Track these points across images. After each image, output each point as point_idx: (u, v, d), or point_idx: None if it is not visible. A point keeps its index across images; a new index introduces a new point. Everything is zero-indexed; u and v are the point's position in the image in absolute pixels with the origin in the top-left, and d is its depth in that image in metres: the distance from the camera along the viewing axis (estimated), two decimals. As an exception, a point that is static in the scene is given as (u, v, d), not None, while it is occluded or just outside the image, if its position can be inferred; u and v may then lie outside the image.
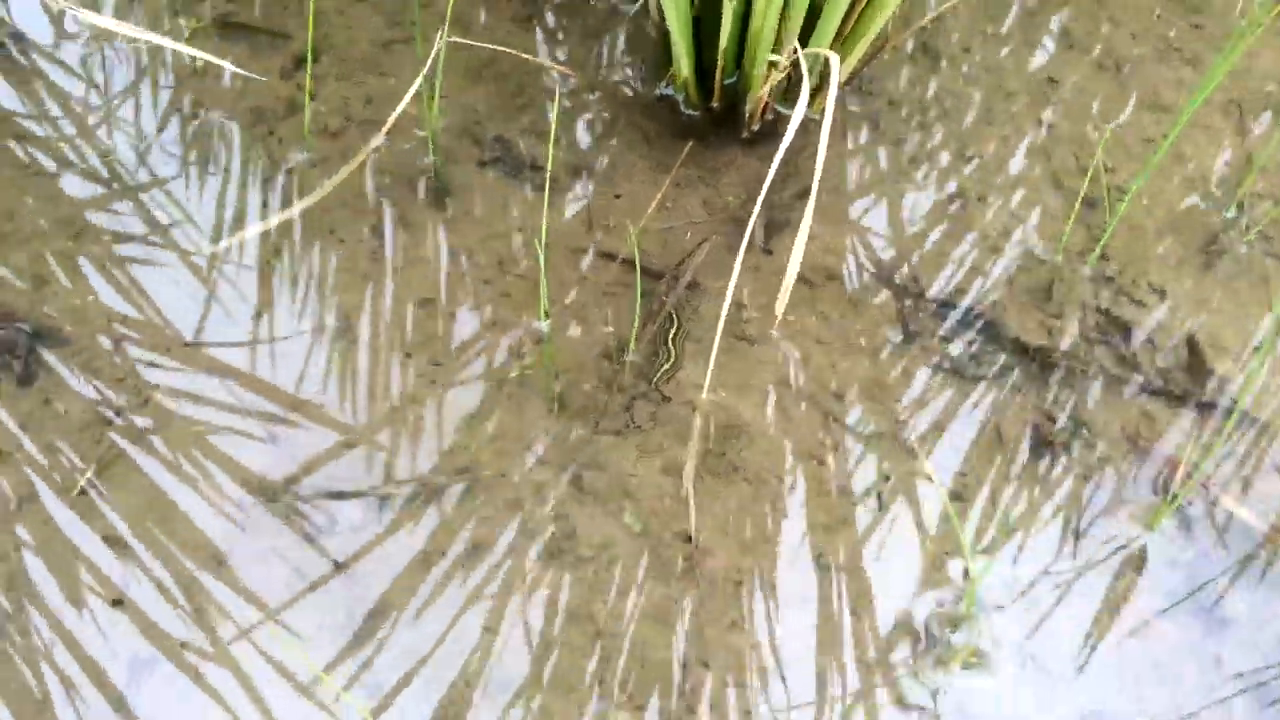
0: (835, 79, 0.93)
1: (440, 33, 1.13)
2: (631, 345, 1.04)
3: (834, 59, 0.95)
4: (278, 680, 0.87)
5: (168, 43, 1.02)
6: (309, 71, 1.16)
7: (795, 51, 1.02)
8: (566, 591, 0.92)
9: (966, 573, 0.94)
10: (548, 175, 1.14)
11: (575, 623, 0.90)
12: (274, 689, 0.86)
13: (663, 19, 1.11)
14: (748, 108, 1.15)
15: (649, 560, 0.93)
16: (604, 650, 0.89)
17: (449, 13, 1.19)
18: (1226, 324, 1.09)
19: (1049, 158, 1.21)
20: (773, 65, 1.08)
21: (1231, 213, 1.16)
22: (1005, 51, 1.30)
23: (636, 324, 1.05)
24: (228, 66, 1.19)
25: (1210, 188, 1.19)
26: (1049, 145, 1.22)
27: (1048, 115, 1.25)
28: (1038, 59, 1.30)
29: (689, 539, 0.95)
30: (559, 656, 0.89)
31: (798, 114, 0.94)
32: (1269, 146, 1.21)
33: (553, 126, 1.18)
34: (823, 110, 0.95)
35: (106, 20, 1.01)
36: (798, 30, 1.06)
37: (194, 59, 1.21)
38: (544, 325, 1.04)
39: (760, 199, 0.95)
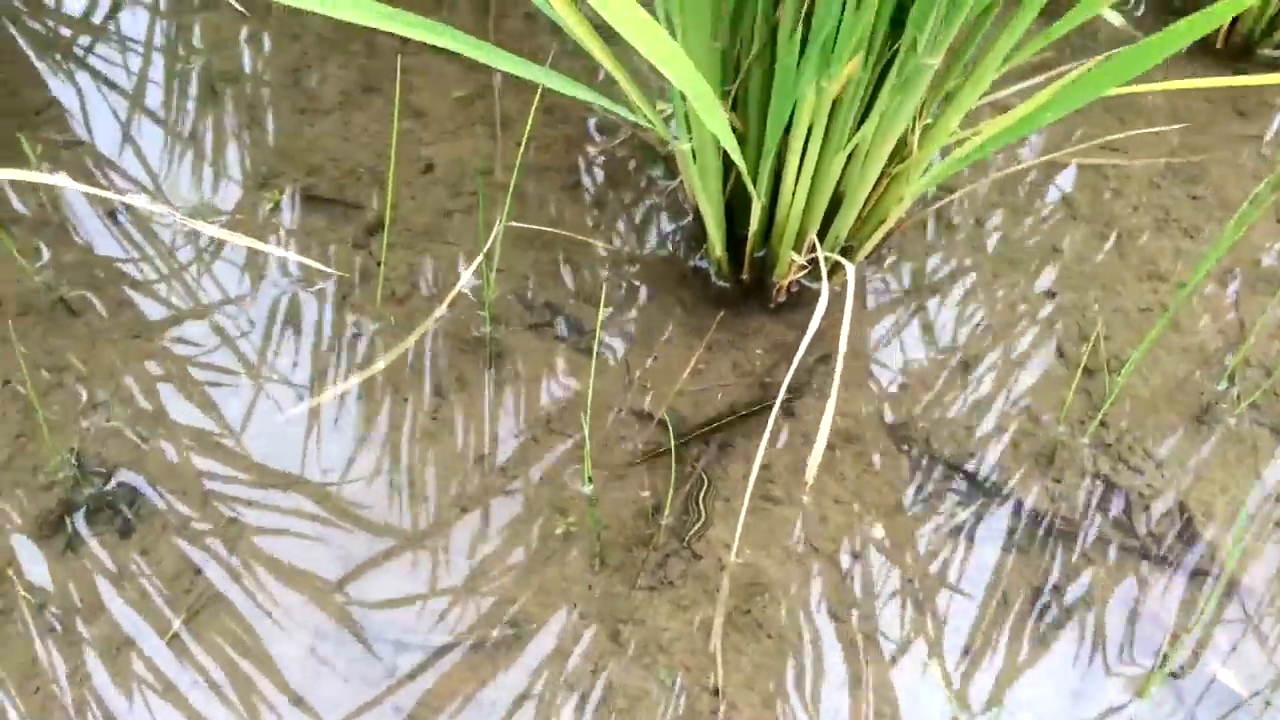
0: (851, 290, 1.05)
1: (500, 217, 1.26)
2: (666, 506, 1.14)
3: (850, 269, 1.06)
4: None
5: (250, 242, 1.15)
6: (384, 242, 1.29)
7: (814, 248, 1.14)
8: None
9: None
10: (595, 344, 1.26)
11: (612, 771, 1.00)
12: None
13: (697, 206, 1.23)
14: (774, 282, 1.27)
15: (681, 712, 1.03)
16: (637, 797, 0.98)
17: (510, 197, 1.32)
18: (1217, 493, 1.18)
19: (1052, 325, 1.32)
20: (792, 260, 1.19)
21: (1223, 385, 1.25)
22: (1012, 222, 1.42)
23: (672, 487, 1.16)
24: (291, 257, 1.32)
25: (1206, 356, 1.29)
26: (1053, 314, 1.33)
27: (1051, 284, 1.35)
28: (1043, 228, 1.41)
29: (717, 692, 1.04)
30: (596, 802, 0.98)
31: (820, 308, 1.05)
32: (1261, 317, 1.31)
33: (600, 305, 1.31)
34: (844, 283, 1.06)
35: (203, 225, 1.14)
36: (818, 224, 1.17)
37: (277, 231, 1.35)
38: (587, 489, 1.15)
39: (791, 369, 1.06)
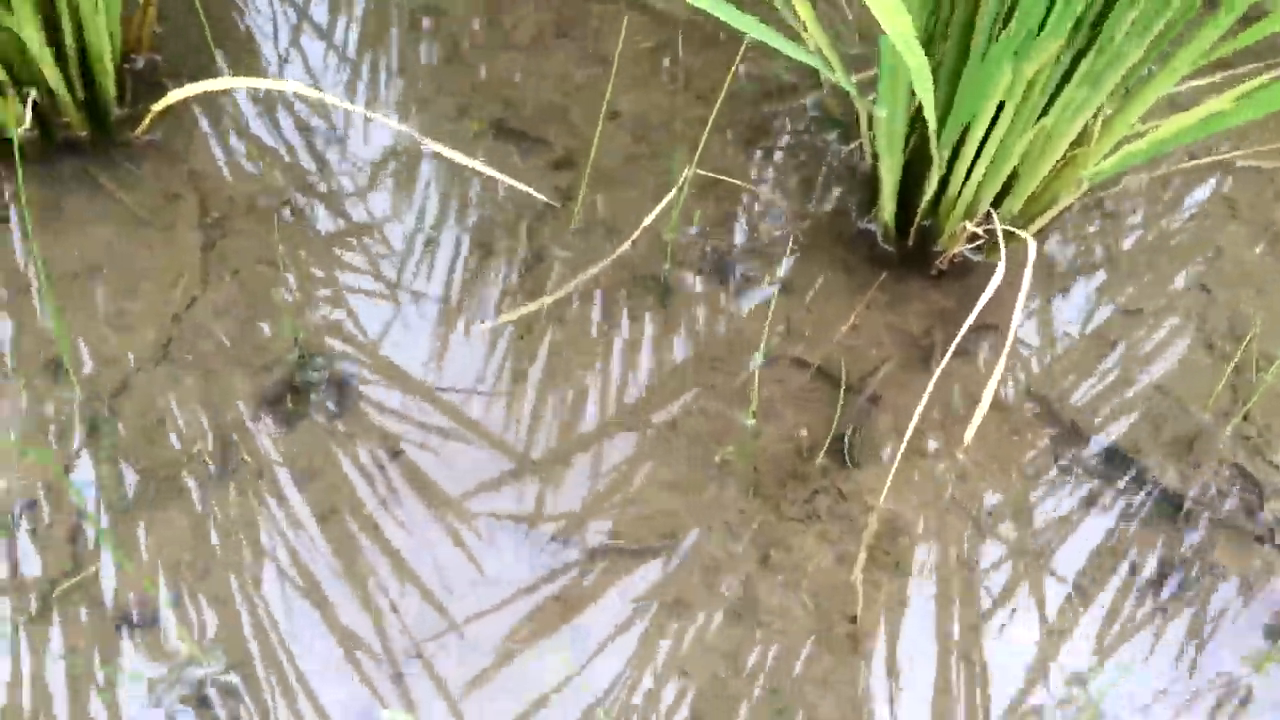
0: (1029, 272, 1.11)
1: (690, 165, 1.35)
2: (821, 447, 1.23)
3: (1031, 244, 1.13)
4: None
5: (459, 157, 1.26)
6: (584, 179, 1.39)
7: (989, 219, 1.20)
8: (747, 648, 1.11)
9: (1084, 682, 1.10)
10: (774, 294, 1.35)
11: (753, 677, 1.10)
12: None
13: (876, 164, 1.30)
14: (938, 251, 1.34)
15: (818, 633, 1.12)
16: (776, 704, 1.09)
17: (701, 145, 1.41)
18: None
19: (1204, 319, 1.36)
20: (964, 228, 1.26)
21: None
22: (1171, 216, 1.45)
23: (830, 431, 1.24)
24: (499, 177, 1.43)
25: (1353, 364, 1.32)
26: (1205, 308, 1.37)
27: (1205, 279, 1.39)
28: (1202, 225, 1.45)
29: (854, 619, 1.13)
30: (738, 706, 1.09)
31: (995, 278, 1.12)
32: None
33: (769, 257, 1.39)
34: (1011, 257, 1.13)
35: (417, 133, 1.25)
36: (991, 198, 1.24)
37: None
38: (750, 422, 1.24)
39: (961, 331, 1.13)
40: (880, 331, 1.35)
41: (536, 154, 1.48)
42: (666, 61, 1.61)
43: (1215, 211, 1.47)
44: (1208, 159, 1.52)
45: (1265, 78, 1.13)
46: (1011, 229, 1.20)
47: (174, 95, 1.19)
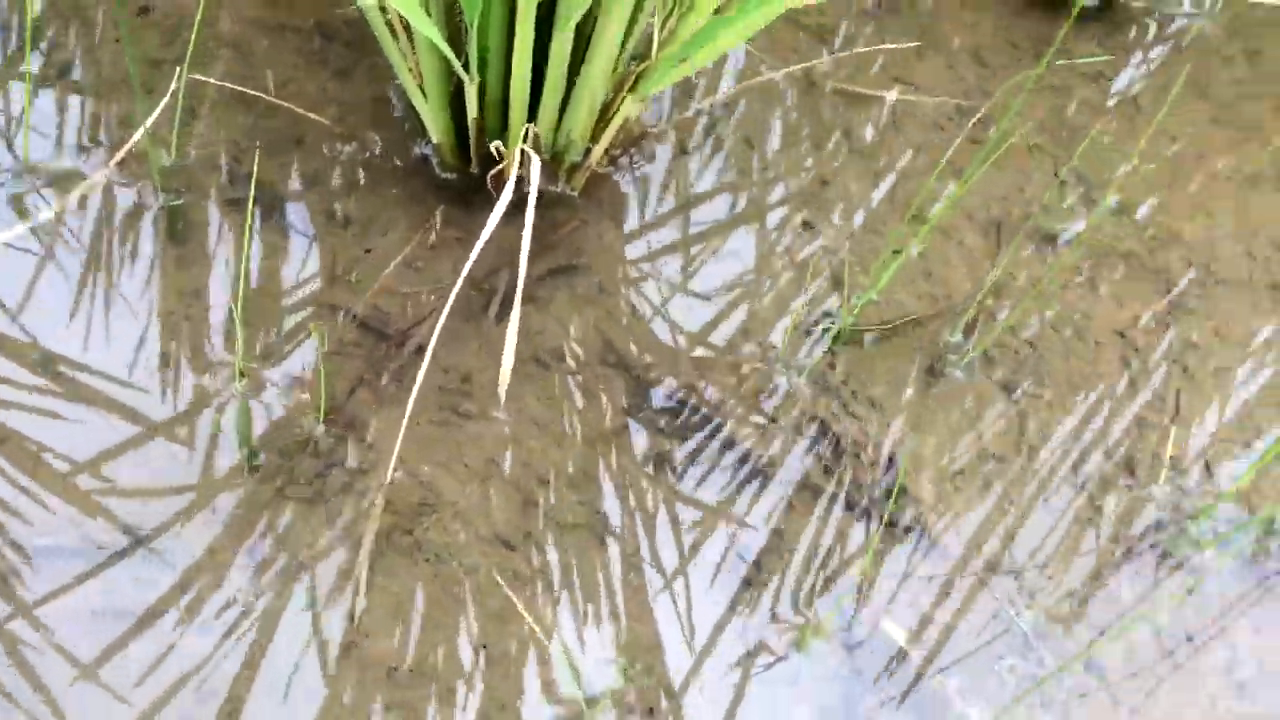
0: (535, 179, 0.95)
1: (180, 70, 1.11)
2: (322, 410, 1.03)
3: (535, 160, 0.96)
4: None
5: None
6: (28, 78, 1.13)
7: (527, 134, 1.03)
8: (225, 662, 0.92)
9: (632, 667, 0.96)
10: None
11: (219, 691, 0.90)
12: None
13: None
14: (503, 178, 1.16)
15: (308, 641, 0.93)
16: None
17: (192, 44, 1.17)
18: (932, 448, 1.13)
19: (804, 259, 1.24)
20: (523, 149, 1.08)
21: (958, 336, 1.20)
22: (786, 146, 1.33)
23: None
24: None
25: (950, 306, 1.23)
26: (808, 248, 1.25)
27: (811, 216, 1.28)
28: (817, 157, 1.33)
29: (353, 618, 0.95)
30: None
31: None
32: (993, 272, 1.26)
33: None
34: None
35: None
36: (553, 119, 1.06)
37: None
38: (238, 386, 1.03)
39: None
40: (443, 275, 1.16)
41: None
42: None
43: (833, 144, 1.35)
44: (836, 85, 1.40)
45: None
46: (582, 164, 1.03)
47: None
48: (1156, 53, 1.48)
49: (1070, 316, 1.23)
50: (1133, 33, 1.49)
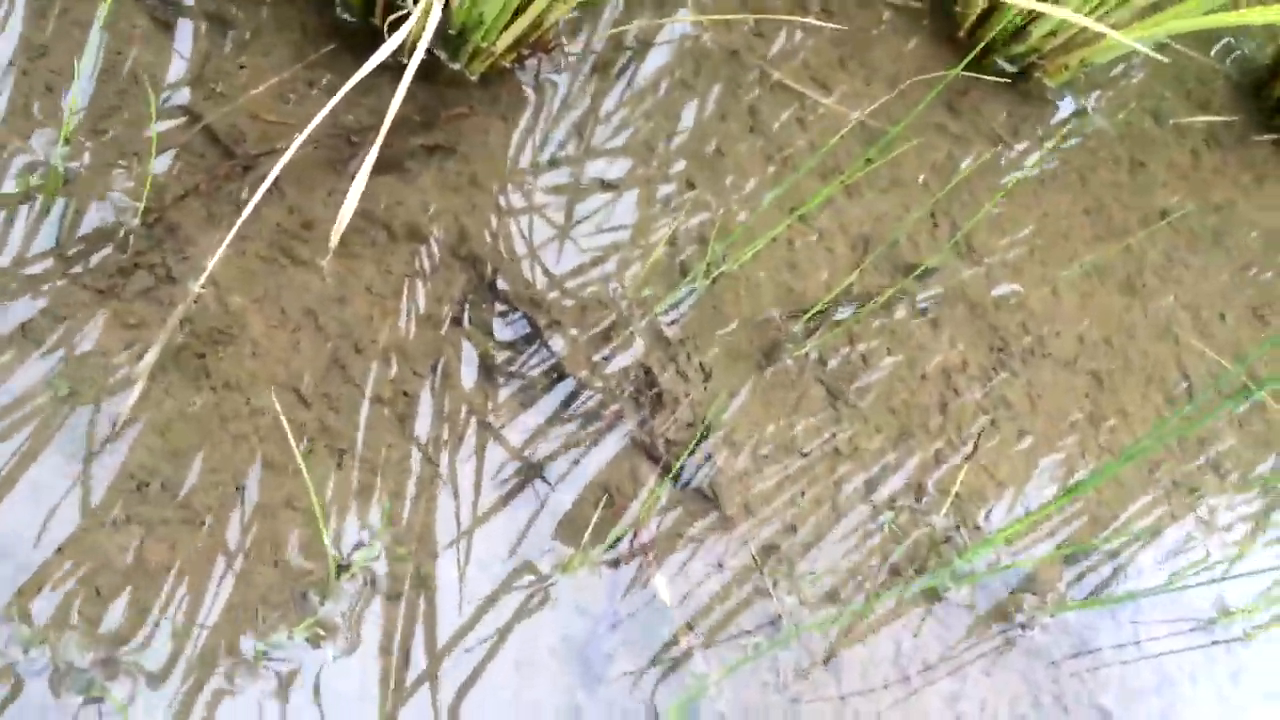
0: (429, 33, 0.91)
1: None
2: (143, 206, 0.96)
3: (436, 12, 0.92)
4: None
5: None
6: None
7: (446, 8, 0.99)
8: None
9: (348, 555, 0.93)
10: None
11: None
12: None
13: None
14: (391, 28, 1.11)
15: (62, 433, 0.87)
16: None
17: None
18: (748, 430, 1.14)
19: (677, 213, 1.24)
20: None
21: (799, 325, 1.22)
22: (689, 105, 1.32)
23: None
24: None
25: (800, 294, 1.25)
26: (685, 203, 1.25)
27: (693, 175, 1.28)
28: (713, 126, 1.33)
29: (116, 423, 0.89)
30: None
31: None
32: (872, 283, 1.29)
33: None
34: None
35: None
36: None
37: None
38: (60, 153, 0.95)
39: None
40: (310, 115, 1.10)
41: None
42: None
43: (734, 120, 1.35)
44: (763, 62, 1.40)
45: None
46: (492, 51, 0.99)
47: None
48: (1055, 134, 1.54)
49: (906, 342, 1.27)
50: (1041, 109, 1.55)
